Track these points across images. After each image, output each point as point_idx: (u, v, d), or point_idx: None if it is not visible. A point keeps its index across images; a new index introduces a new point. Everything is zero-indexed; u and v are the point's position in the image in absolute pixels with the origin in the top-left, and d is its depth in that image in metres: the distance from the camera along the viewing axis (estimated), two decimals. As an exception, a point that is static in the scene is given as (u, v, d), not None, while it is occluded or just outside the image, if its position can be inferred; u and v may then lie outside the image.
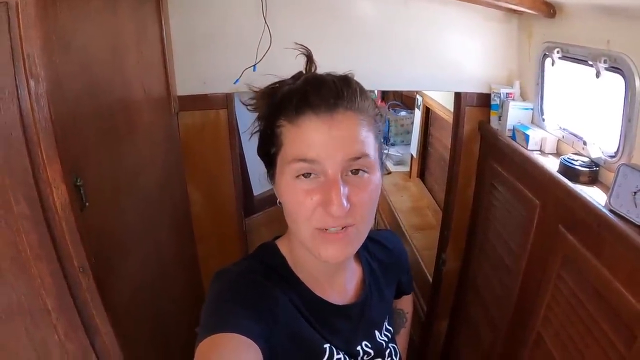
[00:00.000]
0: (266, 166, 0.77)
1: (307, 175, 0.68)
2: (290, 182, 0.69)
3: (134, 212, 1.22)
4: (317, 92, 0.67)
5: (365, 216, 0.72)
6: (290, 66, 0.79)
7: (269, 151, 0.73)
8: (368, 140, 0.69)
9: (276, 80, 0.77)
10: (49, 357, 0.93)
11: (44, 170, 0.81)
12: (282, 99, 0.71)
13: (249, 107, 0.78)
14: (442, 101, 2.82)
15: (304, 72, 0.78)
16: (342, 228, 0.69)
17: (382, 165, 0.77)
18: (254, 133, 0.78)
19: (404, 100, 4.63)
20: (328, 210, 0.66)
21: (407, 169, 3.94)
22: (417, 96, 3.57)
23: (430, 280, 2.44)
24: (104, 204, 1.02)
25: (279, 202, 0.75)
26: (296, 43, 0.77)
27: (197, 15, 1.60)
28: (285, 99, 0.70)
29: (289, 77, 0.77)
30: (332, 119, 0.66)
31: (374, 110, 0.73)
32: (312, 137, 0.66)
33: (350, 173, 0.68)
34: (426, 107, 3.40)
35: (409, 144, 3.92)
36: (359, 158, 0.67)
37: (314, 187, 0.67)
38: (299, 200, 0.68)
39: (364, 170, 0.69)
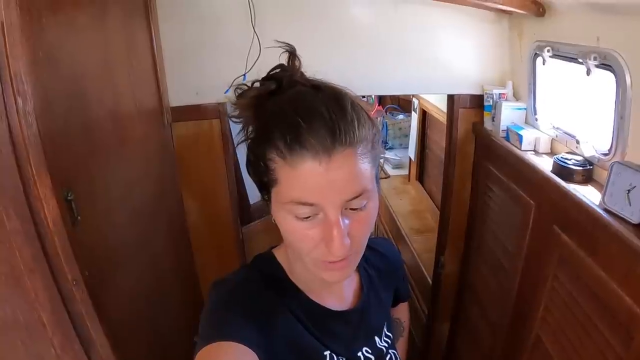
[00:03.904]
0: (259, 189, 0.74)
1: (306, 216, 0.65)
2: (288, 221, 0.67)
3: (128, 224, 1.22)
4: (312, 129, 0.61)
5: (364, 243, 0.72)
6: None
7: (261, 179, 0.70)
8: (367, 174, 0.66)
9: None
10: (46, 372, 0.94)
11: (35, 185, 0.81)
12: (271, 126, 0.65)
13: (233, 119, 0.76)
14: (438, 103, 2.83)
15: (285, 64, 0.75)
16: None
17: (379, 179, 0.75)
18: (241, 143, 0.76)
19: (402, 103, 4.63)
20: (329, 249, 0.65)
21: (406, 172, 3.94)
22: (414, 99, 3.58)
23: (431, 283, 2.43)
24: (96, 217, 1.03)
25: (274, 220, 0.73)
26: (277, 41, 0.74)
27: (187, 25, 1.62)
28: (275, 129, 0.64)
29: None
30: (329, 161, 0.61)
31: (372, 133, 0.68)
32: (309, 182, 0.62)
33: (349, 207, 0.66)
34: (423, 110, 3.40)
35: (407, 148, 3.92)
36: (358, 196, 0.65)
37: (314, 225, 0.66)
38: (300, 238, 0.67)
39: (363, 202, 0.67)
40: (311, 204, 0.63)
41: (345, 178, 0.63)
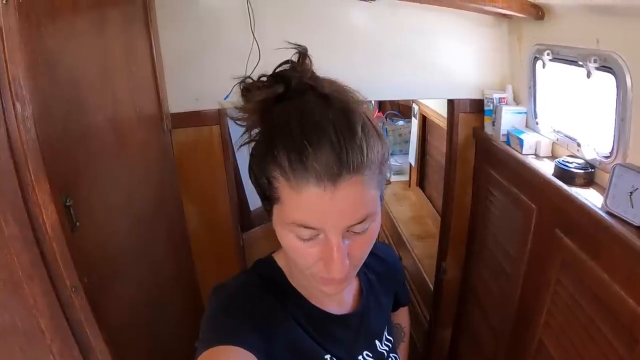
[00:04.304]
0: (261, 199, 0.72)
1: (307, 238, 0.65)
2: (290, 238, 0.66)
3: (128, 231, 1.21)
4: (317, 154, 0.58)
5: (363, 260, 0.71)
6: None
7: (263, 192, 0.68)
8: (372, 198, 0.64)
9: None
10: (45, 378, 0.93)
11: (33, 191, 0.80)
12: (276, 139, 0.62)
13: (237, 122, 0.72)
14: (438, 109, 2.83)
15: (294, 60, 0.70)
16: None
17: (383, 199, 0.72)
18: (243, 145, 0.73)
19: (402, 109, 4.64)
20: (328, 269, 0.65)
21: (406, 178, 3.94)
22: (413, 105, 3.58)
23: (432, 289, 2.42)
24: (96, 223, 1.02)
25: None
26: (288, 42, 0.69)
27: (186, 32, 1.62)
28: (280, 144, 0.61)
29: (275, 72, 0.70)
30: (335, 189, 0.59)
31: (380, 154, 0.65)
32: (313, 208, 0.61)
33: (351, 230, 0.65)
34: (423, 115, 3.41)
35: (408, 153, 3.93)
36: (362, 221, 0.64)
37: (315, 245, 0.65)
38: (300, 254, 0.67)
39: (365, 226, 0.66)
40: (314, 227, 0.62)
41: (350, 206, 0.61)
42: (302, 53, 0.69)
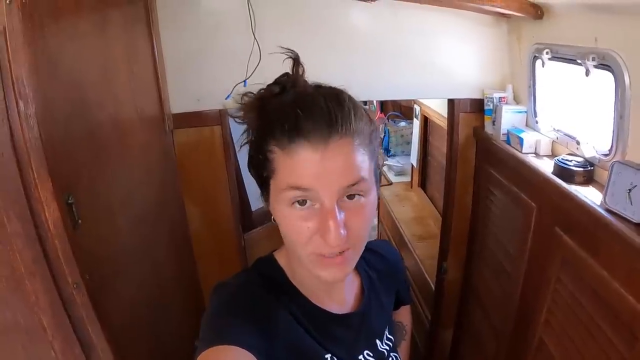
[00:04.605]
0: (259, 186, 0.76)
1: (302, 202, 0.66)
2: (285, 210, 0.68)
3: (129, 230, 1.22)
4: (309, 118, 0.64)
5: (362, 237, 0.72)
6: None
7: (261, 174, 0.72)
8: (364, 165, 0.67)
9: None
10: (47, 375, 0.93)
11: (36, 189, 0.82)
12: (272, 120, 0.68)
13: (237, 119, 0.78)
14: (439, 109, 2.83)
15: (290, 72, 0.76)
16: (340, 252, 0.69)
17: (379, 180, 0.75)
18: (244, 145, 0.77)
19: (403, 110, 4.65)
20: (325, 239, 0.65)
21: (408, 179, 3.94)
22: (415, 106, 3.58)
23: (434, 289, 2.42)
24: (97, 221, 1.03)
25: (274, 219, 0.74)
26: (282, 47, 0.76)
27: (188, 33, 1.63)
28: (275, 122, 0.67)
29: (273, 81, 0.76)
30: (326, 149, 0.63)
31: (369, 128, 0.70)
32: (306, 168, 0.64)
33: (346, 198, 0.67)
34: (424, 116, 3.41)
35: (409, 154, 3.93)
36: (354, 184, 0.66)
37: (310, 215, 0.66)
38: (296, 228, 0.68)
39: (359, 194, 0.68)
40: (307, 188, 0.64)
41: (341, 166, 0.64)
42: (295, 59, 0.76)
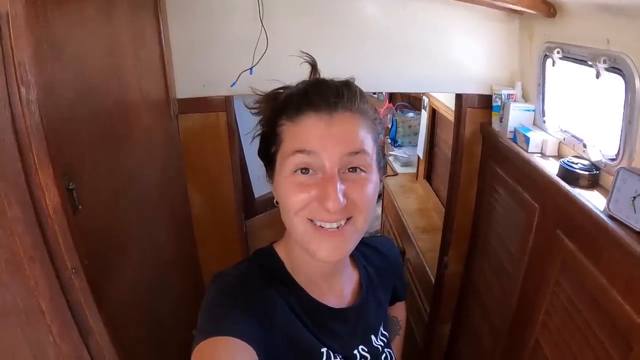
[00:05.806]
0: (266, 167, 0.79)
1: (305, 170, 0.69)
2: (288, 176, 0.70)
3: (130, 214, 1.23)
4: (318, 91, 0.70)
5: (363, 212, 0.72)
6: (286, 69, 0.80)
7: (269, 151, 0.75)
8: (366, 140, 0.71)
9: (281, 85, 0.80)
10: (44, 358, 0.95)
11: (36, 174, 0.82)
12: (285, 100, 0.74)
13: (252, 110, 0.81)
14: (448, 102, 2.80)
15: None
16: (338, 227, 0.70)
17: (381, 169, 0.78)
18: (256, 136, 0.80)
19: (412, 101, 4.60)
20: (324, 205, 0.67)
21: (414, 170, 3.92)
22: (424, 97, 3.55)
23: (434, 282, 2.42)
24: (98, 206, 1.03)
25: (276, 202, 0.76)
26: (301, 51, 0.80)
27: (196, 19, 1.62)
28: (287, 101, 0.73)
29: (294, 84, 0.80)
30: (331, 118, 0.69)
31: (373, 114, 0.75)
32: (311, 132, 0.69)
33: (347, 171, 0.69)
34: (432, 108, 3.38)
35: (417, 145, 3.90)
36: (357, 153, 0.69)
37: (311, 183, 0.69)
38: (295, 193, 0.70)
39: (361, 169, 0.70)
40: (310, 151, 0.68)
41: (344, 134, 0.69)
42: (313, 65, 0.81)
